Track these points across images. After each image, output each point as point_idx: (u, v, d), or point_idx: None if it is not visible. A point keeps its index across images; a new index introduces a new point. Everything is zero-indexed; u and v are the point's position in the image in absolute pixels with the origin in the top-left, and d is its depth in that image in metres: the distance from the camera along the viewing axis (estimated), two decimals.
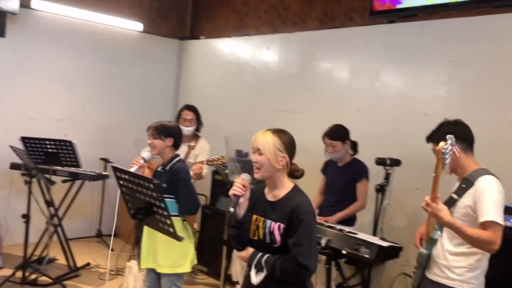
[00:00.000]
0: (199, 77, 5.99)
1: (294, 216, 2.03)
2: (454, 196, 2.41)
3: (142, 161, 3.06)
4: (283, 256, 2.05)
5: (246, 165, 2.90)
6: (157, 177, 2.95)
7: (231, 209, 2.06)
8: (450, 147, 2.17)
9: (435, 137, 2.46)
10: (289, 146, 2.14)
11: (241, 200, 2.10)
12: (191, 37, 6.18)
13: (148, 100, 5.96)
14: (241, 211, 2.12)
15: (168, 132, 3.03)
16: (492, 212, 2.23)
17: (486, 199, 2.26)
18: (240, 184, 2.10)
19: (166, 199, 2.82)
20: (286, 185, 2.16)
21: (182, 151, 4.23)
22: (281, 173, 2.14)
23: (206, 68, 5.90)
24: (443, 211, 2.25)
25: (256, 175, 2.14)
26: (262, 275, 2.08)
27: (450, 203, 2.39)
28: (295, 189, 2.16)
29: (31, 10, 4.94)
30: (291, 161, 2.16)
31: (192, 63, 6.10)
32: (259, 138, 2.14)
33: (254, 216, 2.16)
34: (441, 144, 2.17)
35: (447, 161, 2.20)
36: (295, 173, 2.19)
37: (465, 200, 2.36)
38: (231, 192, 2.10)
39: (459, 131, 2.42)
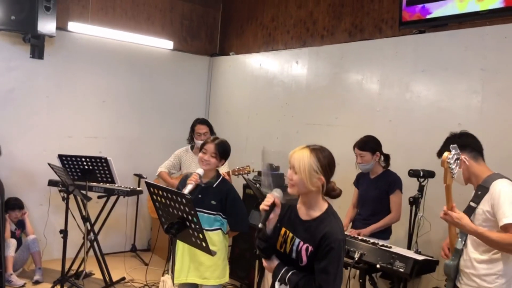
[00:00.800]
0: (229, 92, 6.06)
1: (324, 242, 1.98)
2: (472, 204, 2.43)
3: (198, 179, 3.08)
4: (307, 276, 2.02)
5: (277, 179, 2.92)
6: (201, 193, 3.02)
7: (260, 225, 2.05)
8: (455, 156, 2.20)
9: (443, 151, 2.46)
10: (327, 166, 2.05)
11: (271, 215, 2.07)
12: (220, 54, 6.28)
13: (180, 116, 6.06)
14: (271, 226, 2.10)
15: (225, 155, 3.15)
16: (510, 213, 2.22)
17: (502, 202, 2.26)
18: (270, 199, 2.08)
19: (212, 215, 3.00)
20: (321, 206, 2.09)
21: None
22: (316, 193, 2.06)
23: (236, 83, 5.97)
24: (464, 219, 2.26)
25: (290, 191, 2.11)
26: None
27: (469, 211, 2.40)
28: (329, 211, 2.09)
29: (67, 32, 5.13)
30: (328, 181, 2.08)
31: (222, 78, 6.18)
32: (296, 155, 2.06)
33: (283, 229, 2.13)
34: (445, 154, 2.20)
35: (455, 170, 2.23)
36: (331, 192, 2.11)
37: (483, 206, 2.37)
38: (261, 207, 2.09)
39: (465, 142, 2.45)
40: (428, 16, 3.77)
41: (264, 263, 2.19)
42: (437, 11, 3.71)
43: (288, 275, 2.05)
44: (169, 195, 2.58)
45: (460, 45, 3.68)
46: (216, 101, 6.24)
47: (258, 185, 4.06)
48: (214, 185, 3.09)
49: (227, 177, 4.14)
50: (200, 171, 3.07)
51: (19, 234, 4.69)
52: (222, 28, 6.35)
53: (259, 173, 4.56)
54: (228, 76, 6.08)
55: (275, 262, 2.14)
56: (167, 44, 5.86)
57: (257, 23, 5.76)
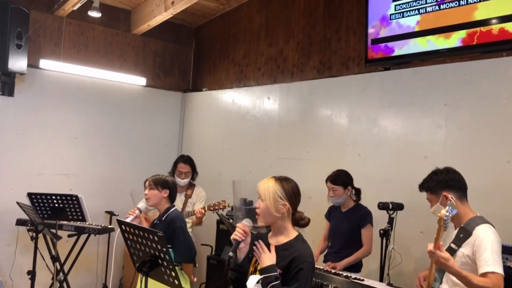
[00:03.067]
0: (202, 127, 6.11)
1: (293, 265, 2.05)
2: (453, 246, 2.45)
3: (138, 212, 3.18)
4: None
5: (250, 213, 2.96)
6: (154, 228, 2.99)
7: (231, 253, 2.11)
8: (450, 214, 2.20)
9: (429, 186, 2.52)
10: (291, 194, 2.16)
11: (241, 245, 2.16)
12: (193, 89, 6.35)
13: (153, 152, 6.06)
14: (242, 255, 2.17)
15: (165, 184, 3.18)
16: (491, 262, 2.28)
17: (484, 249, 2.30)
18: (241, 229, 2.15)
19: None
20: (290, 232, 2.18)
21: (179, 200, 4.34)
22: (283, 221, 2.16)
23: (208, 118, 6.03)
24: (450, 260, 2.27)
25: (258, 221, 2.18)
26: None
27: (450, 252, 2.41)
28: (299, 238, 2.18)
29: (39, 69, 5.13)
30: (295, 209, 2.18)
31: (195, 114, 6.24)
32: (262, 185, 2.19)
33: (254, 258, 2.19)
34: (443, 212, 2.20)
35: (448, 226, 2.23)
36: (300, 221, 2.20)
37: (464, 250, 2.40)
38: (232, 236, 2.15)
39: (452, 179, 2.50)
40: (392, 54, 3.94)
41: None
42: (400, 49, 3.89)
43: (273, 284, 2.03)
44: (140, 233, 2.57)
45: (423, 81, 3.85)
46: (189, 136, 6.27)
47: (231, 220, 4.06)
48: (163, 218, 3.16)
49: (202, 213, 4.14)
50: (141, 205, 3.19)
51: None
52: (195, 65, 6.45)
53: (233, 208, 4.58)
54: (201, 111, 6.14)
55: (273, 255, 2.11)
56: (140, 81, 5.90)
57: (229, 60, 5.88)
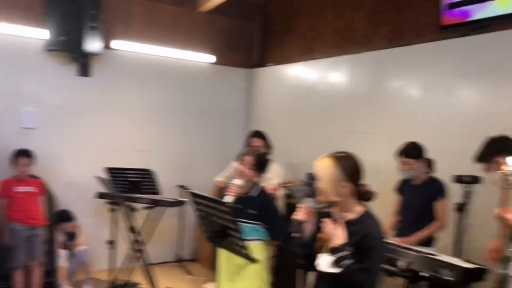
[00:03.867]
0: (268, 103, 6.12)
1: (364, 242, 1.99)
2: None
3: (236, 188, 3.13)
4: (359, 273, 2.01)
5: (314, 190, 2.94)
6: (241, 203, 3.03)
7: (295, 234, 2.09)
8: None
9: (485, 157, 2.38)
10: (352, 173, 2.06)
11: (305, 224, 2.12)
12: (259, 65, 6.35)
13: (221, 128, 6.17)
14: (306, 234, 2.13)
15: (262, 168, 3.18)
16: None
17: None
18: (302, 209, 2.12)
19: (252, 225, 3.01)
20: (357, 209, 2.10)
21: None
22: (346, 199, 2.08)
23: (275, 93, 6.02)
24: None
25: (319, 199, 2.14)
26: (335, 270, 2.01)
27: None
28: (367, 213, 2.10)
29: (112, 50, 5.35)
30: (357, 184, 2.09)
31: (261, 89, 6.25)
32: (319, 165, 2.08)
33: (322, 236, 2.14)
34: (503, 167, 2.13)
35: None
36: (364, 195, 2.12)
37: None
38: (294, 216, 2.12)
39: (504, 145, 2.37)
40: (469, 19, 3.69)
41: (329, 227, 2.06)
42: (478, 13, 3.63)
43: (346, 262, 1.98)
44: (212, 204, 2.64)
45: (504, 47, 3.57)
46: (257, 112, 6.31)
47: (298, 196, 4.06)
48: (253, 196, 3.13)
49: (275, 188, 4.17)
50: (238, 181, 3.12)
51: (70, 245, 4.87)
52: (261, 40, 6.43)
53: (303, 184, 4.57)
54: (268, 86, 6.14)
55: (344, 233, 2.03)
56: (209, 58, 5.99)
57: (295, 33, 5.80)
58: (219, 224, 2.65)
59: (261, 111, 6.24)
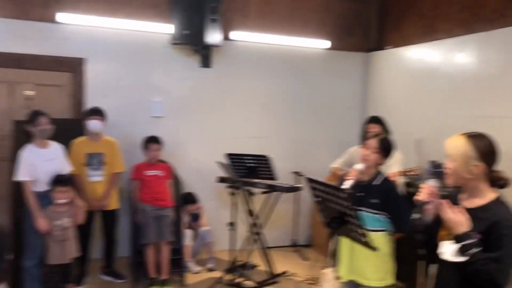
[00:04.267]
0: (387, 88, 5.88)
1: (495, 230, 1.86)
2: None
3: (356, 173, 3.05)
4: (487, 264, 1.87)
5: (438, 176, 2.74)
6: (363, 191, 2.95)
7: (415, 215, 1.99)
8: None
9: None
10: (486, 153, 1.94)
11: (427, 206, 2.02)
12: (377, 49, 6.12)
13: (336, 115, 6.10)
14: (428, 216, 2.03)
15: (388, 153, 3.01)
16: None
17: None
18: (426, 190, 2.02)
19: (374, 215, 2.89)
20: (487, 194, 1.97)
21: None
22: (478, 181, 1.96)
23: (394, 78, 5.77)
24: None
25: (447, 181, 2.02)
26: (460, 259, 1.91)
27: None
28: (498, 200, 1.95)
29: (231, 41, 5.55)
30: (491, 167, 1.96)
31: (379, 74, 6.03)
32: (450, 143, 2.00)
33: (446, 222, 2.02)
34: None
35: None
36: (498, 181, 1.98)
37: None
38: (415, 197, 2.03)
39: None
40: None
41: (449, 213, 1.95)
42: None
43: (473, 250, 1.87)
44: (329, 190, 2.63)
45: None
46: (374, 98, 6.11)
47: (419, 183, 3.86)
48: (376, 183, 2.97)
49: (394, 176, 4.02)
50: (359, 166, 3.02)
51: (194, 226, 5.21)
52: (378, 23, 6.19)
53: (426, 172, 4.34)
54: (386, 70, 5.91)
55: (467, 218, 1.91)
56: (323, 44, 5.93)
57: (415, 13, 5.48)
58: (337, 210, 2.63)
59: (378, 97, 6.03)
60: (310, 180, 2.77)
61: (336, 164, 4.62)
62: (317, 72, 6.01)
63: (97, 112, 4.45)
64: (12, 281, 3.97)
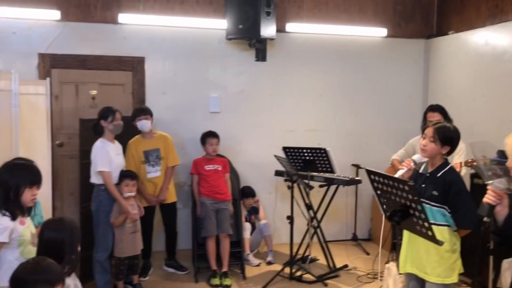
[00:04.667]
0: (449, 75, 5.63)
1: None
2: None
3: (412, 164, 2.95)
4: None
5: (503, 169, 2.54)
6: (422, 181, 2.86)
7: (486, 219, 1.90)
8: None
9: None
10: None
11: (497, 208, 1.92)
12: (438, 34, 5.87)
13: (395, 104, 5.92)
14: (500, 218, 1.93)
15: (448, 141, 2.83)
16: None
17: None
18: (493, 193, 1.91)
19: (435, 208, 2.76)
20: None
21: None
22: None
23: (456, 64, 5.51)
24: None
25: None
26: None
27: None
28: None
29: (285, 33, 5.51)
30: None
31: (440, 61, 5.78)
32: (508, 143, 1.92)
33: None
34: None
35: None
36: None
37: None
38: (484, 200, 1.94)
39: None
40: None
41: None
42: None
43: None
44: (391, 182, 2.56)
45: None
46: (435, 85, 5.87)
47: (486, 176, 3.66)
48: (438, 175, 2.82)
49: (458, 167, 3.86)
50: (416, 157, 2.91)
51: (252, 219, 5.26)
52: (439, 7, 5.92)
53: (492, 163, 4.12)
54: (448, 57, 5.65)
55: None
56: (380, 32, 5.77)
57: None
58: (399, 203, 2.55)
59: (440, 85, 5.78)
60: (371, 172, 2.71)
61: (397, 155, 4.50)
62: (374, 61, 5.86)
63: (144, 111, 4.52)
64: (81, 273, 4.19)
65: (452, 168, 2.89)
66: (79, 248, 2.47)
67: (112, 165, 4.03)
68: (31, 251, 2.59)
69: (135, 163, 4.47)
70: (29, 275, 1.95)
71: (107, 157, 3.98)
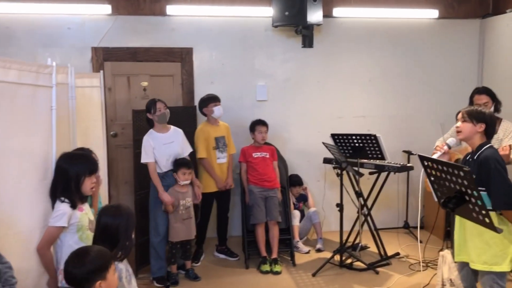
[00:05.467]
0: (507, 57, 5.36)
1: None
2: None
3: (446, 148, 2.92)
4: None
5: None
6: (468, 165, 2.76)
7: None
8: None
9: None
10: None
11: None
12: (494, 13, 5.59)
13: (448, 88, 5.71)
14: None
15: (480, 117, 2.76)
16: None
17: None
18: None
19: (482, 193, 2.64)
20: None
21: None
22: None
23: None
24: None
25: None
26: None
27: None
28: None
29: (332, 18, 5.43)
30: None
31: (497, 42, 5.51)
32: None
33: None
34: None
35: None
36: None
37: None
38: None
39: None
40: None
41: None
42: None
43: None
44: (445, 168, 2.49)
45: None
46: (491, 67, 5.60)
47: None
48: (475, 157, 2.75)
49: (508, 150, 3.69)
50: (450, 140, 2.88)
51: (301, 207, 5.26)
52: None
53: None
54: (505, 37, 5.37)
55: None
56: (432, 13, 5.56)
57: None
58: (454, 189, 2.48)
59: (496, 67, 5.51)
60: (424, 158, 2.65)
61: (440, 140, 4.33)
62: (426, 45, 5.66)
63: (216, 99, 4.71)
64: (138, 258, 4.35)
65: (489, 148, 2.77)
66: (133, 235, 2.57)
67: (160, 154, 4.17)
68: (89, 236, 2.72)
69: (208, 148, 4.64)
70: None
71: (150, 149, 4.14)
